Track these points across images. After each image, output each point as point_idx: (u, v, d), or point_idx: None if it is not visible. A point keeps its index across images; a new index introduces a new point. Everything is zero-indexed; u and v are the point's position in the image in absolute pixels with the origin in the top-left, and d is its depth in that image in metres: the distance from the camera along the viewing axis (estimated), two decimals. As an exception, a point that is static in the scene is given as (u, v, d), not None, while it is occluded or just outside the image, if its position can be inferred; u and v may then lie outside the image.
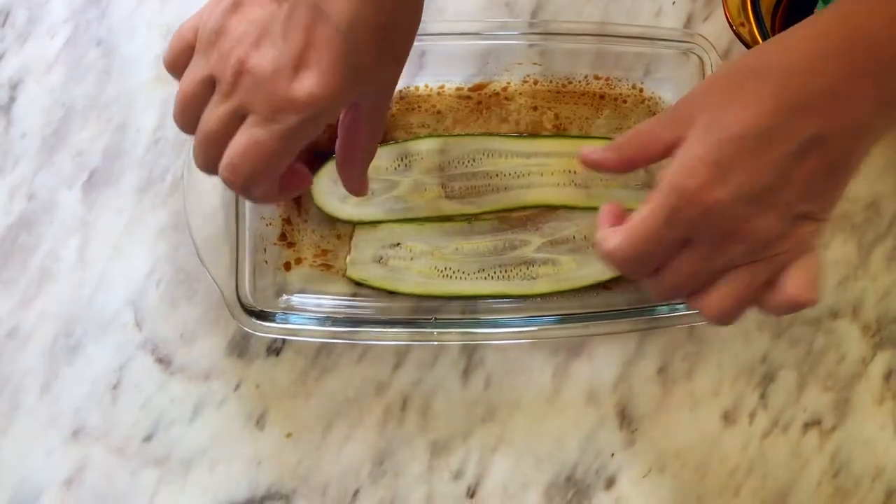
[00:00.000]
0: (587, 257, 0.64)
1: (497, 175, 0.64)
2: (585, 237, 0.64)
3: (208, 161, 0.49)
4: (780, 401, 0.65)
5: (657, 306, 0.61)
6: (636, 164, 0.50)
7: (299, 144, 0.48)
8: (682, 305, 0.61)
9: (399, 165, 0.64)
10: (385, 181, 0.64)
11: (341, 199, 0.64)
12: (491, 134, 0.65)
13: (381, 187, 0.64)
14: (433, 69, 0.65)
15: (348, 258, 0.64)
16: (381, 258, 0.64)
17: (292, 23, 0.45)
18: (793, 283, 0.47)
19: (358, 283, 0.64)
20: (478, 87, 0.66)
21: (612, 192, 0.64)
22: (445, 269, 0.64)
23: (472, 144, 0.64)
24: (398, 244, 0.64)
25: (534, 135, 0.65)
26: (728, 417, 0.65)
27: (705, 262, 0.47)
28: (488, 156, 0.64)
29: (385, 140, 0.65)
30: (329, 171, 0.64)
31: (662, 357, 0.65)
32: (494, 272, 0.64)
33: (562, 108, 0.66)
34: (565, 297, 0.64)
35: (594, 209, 0.64)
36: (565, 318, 0.61)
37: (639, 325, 0.62)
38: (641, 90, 0.66)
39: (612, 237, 0.48)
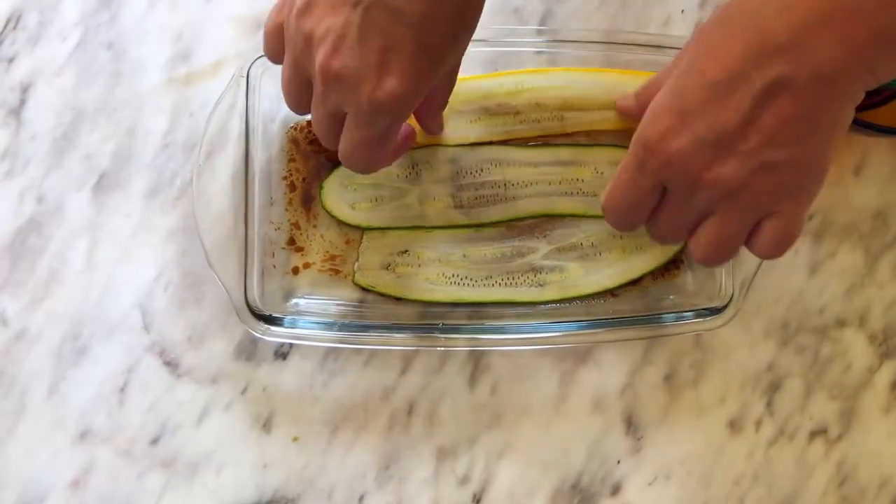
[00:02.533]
0: (595, 264, 0.64)
1: (506, 185, 0.64)
2: (593, 244, 0.64)
3: (330, 145, 0.53)
4: (786, 409, 0.65)
5: (664, 314, 0.61)
6: None
7: (398, 131, 0.53)
8: (689, 313, 0.61)
9: (409, 174, 0.64)
10: (395, 189, 0.64)
11: (351, 205, 0.64)
12: (499, 143, 0.65)
13: (391, 195, 0.64)
14: (442, 75, 0.65)
15: (356, 264, 0.64)
16: (389, 265, 0.64)
17: (368, 26, 0.47)
18: (759, 241, 0.48)
19: (366, 289, 0.64)
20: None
21: None
22: (453, 275, 0.64)
23: (480, 154, 0.64)
24: (406, 251, 0.64)
25: (542, 144, 0.65)
26: (734, 425, 0.65)
27: (680, 210, 0.48)
28: (497, 165, 0.64)
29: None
30: (339, 176, 0.64)
31: (669, 364, 0.65)
32: (502, 279, 0.64)
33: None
34: (572, 304, 0.64)
35: (602, 217, 0.64)
36: (572, 326, 0.61)
37: (645, 333, 0.62)
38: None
39: (603, 193, 0.51)
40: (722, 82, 0.45)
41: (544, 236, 0.64)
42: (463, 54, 0.53)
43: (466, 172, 0.64)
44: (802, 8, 0.43)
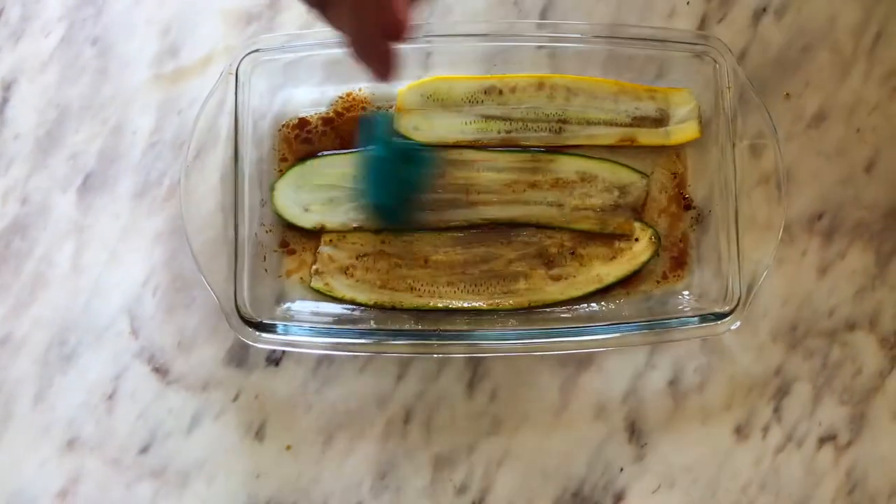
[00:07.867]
0: (560, 271, 0.62)
1: (468, 189, 0.62)
2: (559, 252, 0.62)
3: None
4: (795, 415, 0.63)
5: (668, 319, 0.60)
6: None
7: None
8: (694, 318, 0.59)
9: None
10: (351, 190, 0.61)
11: (304, 207, 0.61)
12: (464, 146, 0.62)
13: (347, 195, 0.62)
14: (438, 70, 0.63)
15: (313, 268, 0.62)
16: (348, 269, 0.62)
17: None
18: None
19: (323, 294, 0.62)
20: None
21: (585, 213, 0.62)
22: (414, 281, 0.62)
23: (442, 155, 0.62)
24: (366, 255, 0.62)
25: (507, 148, 0.63)
26: (740, 431, 0.63)
27: None
28: (459, 168, 0.62)
29: (353, 147, 0.62)
30: (293, 176, 0.62)
31: (673, 369, 0.63)
32: (464, 286, 0.62)
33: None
34: (570, 307, 0.62)
35: (567, 229, 0.62)
36: (574, 332, 0.59)
37: (649, 339, 0.60)
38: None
39: None
40: None
41: (508, 244, 0.62)
42: None
43: None
44: None
